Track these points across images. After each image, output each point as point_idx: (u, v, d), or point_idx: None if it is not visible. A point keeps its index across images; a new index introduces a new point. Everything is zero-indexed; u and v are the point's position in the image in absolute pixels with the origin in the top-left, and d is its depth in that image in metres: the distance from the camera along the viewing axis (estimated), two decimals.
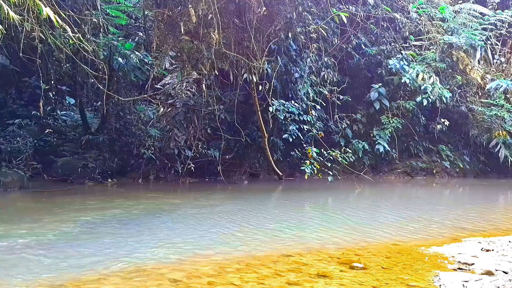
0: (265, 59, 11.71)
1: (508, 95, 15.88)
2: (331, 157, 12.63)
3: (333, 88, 14.60)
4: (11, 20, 6.58)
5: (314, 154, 12.33)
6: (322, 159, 12.46)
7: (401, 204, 9.90)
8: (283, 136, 12.96)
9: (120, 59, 11.60)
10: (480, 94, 16.13)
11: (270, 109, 12.43)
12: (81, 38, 9.00)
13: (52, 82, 12.51)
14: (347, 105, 15.16)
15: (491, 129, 15.40)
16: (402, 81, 14.62)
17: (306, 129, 13.18)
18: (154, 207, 8.22)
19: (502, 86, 14.97)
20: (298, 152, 12.98)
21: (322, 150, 12.63)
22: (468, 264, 4.68)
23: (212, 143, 12.66)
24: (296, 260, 4.79)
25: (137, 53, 11.89)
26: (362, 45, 15.31)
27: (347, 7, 14.33)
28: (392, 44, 15.69)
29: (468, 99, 15.86)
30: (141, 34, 12.97)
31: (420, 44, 15.96)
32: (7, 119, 12.85)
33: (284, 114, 12.76)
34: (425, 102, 14.58)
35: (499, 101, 15.64)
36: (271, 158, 12.97)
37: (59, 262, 4.59)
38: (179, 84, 12.31)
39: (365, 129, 15.15)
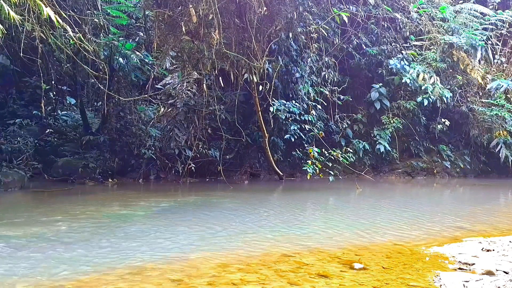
0: (266, 59, 11.72)
1: (508, 95, 15.87)
2: (332, 157, 12.63)
3: (333, 88, 14.62)
4: (12, 20, 6.58)
5: (316, 154, 12.33)
6: (323, 159, 12.46)
7: (402, 204, 9.89)
8: (285, 137, 12.97)
9: (120, 59, 11.61)
10: (480, 94, 16.14)
11: (271, 109, 12.45)
12: (82, 38, 9.00)
13: (53, 82, 12.52)
14: (347, 105, 15.16)
15: (492, 129, 15.40)
16: (403, 81, 14.62)
17: (307, 129, 13.19)
18: (153, 207, 8.22)
19: (502, 86, 14.98)
20: (299, 152, 12.99)
21: (323, 150, 12.63)
22: (469, 264, 4.67)
23: (213, 143, 12.67)
24: (297, 260, 4.79)
25: (137, 53, 11.90)
26: (363, 45, 15.31)
27: (348, 7, 14.32)
28: (393, 44, 15.69)
29: (468, 99, 15.87)
30: (141, 34, 12.98)
31: (421, 44, 15.96)
32: (7, 119, 12.86)
33: (285, 114, 12.77)
34: (425, 102, 14.59)
35: (499, 101, 15.64)
36: (271, 158, 12.97)
37: (58, 262, 4.59)
38: (180, 84, 12.32)
39: (365, 129, 15.16)
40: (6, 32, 7.55)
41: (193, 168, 11.90)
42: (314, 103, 13.70)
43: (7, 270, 4.29)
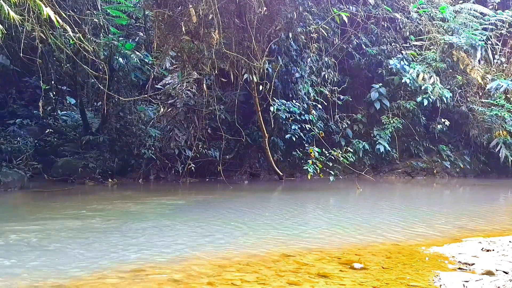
0: (266, 59, 11.72)
1: (508, 95, 15.86)
2: (332, 157, 12.64)
3: (333, 88, 14.61)
4: (12, 20, 6.59)
5: (316, 154, 12.35)
6: (324, 159, 12.47)
7: (402, 204, 9.89)
8: (286, 136, 12.97)
9: (120, 59, 11.61)
10: (480, 94, 16.13)
11: (272, 108, 12.44)
12: (82, 38, 9.01)
13: (53, 82, 12.51)
14: (347, 105, 15.16)
15: (492, 129, 15.39)
16: (403, 81, 14.62)
17: (307, 129, 13.19)
18: (153, 207, 8.22)
19: (502, 86, 14.97)
20: (299, 152, 12.99)
21: (323, 150, 12.64)
22: (469, 264, 4.68)
23: (213, 143, 12.66)
24: (297, 260, 4.79)
25: (137, 53, 11.90)
26: (363, 45, 15.30)
27: (348, 7, 14.32)
28: (393, 44, 15.69)
29: (468, 99, 15.85)
30: (141, 34, 12.98)
31: (421, 44, 15.95)
32: (7, 119, 12.87)
33: (285, 114, 12.78)
34: (425, 102, 14.59)
35: (499, 101, 15.63)
36: (271, 158, 12.97)
37: (58, 262, 4.59)
38: (180, 84, 12.32)
39: (365, 129, 15.15)
40: (6, 32, 7.55)
41: (193, 168, 11.90)
42: (314, 103, 13.70)
43: (8, 268, 4.29)
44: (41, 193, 9.85)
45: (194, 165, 11.89)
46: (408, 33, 15.98)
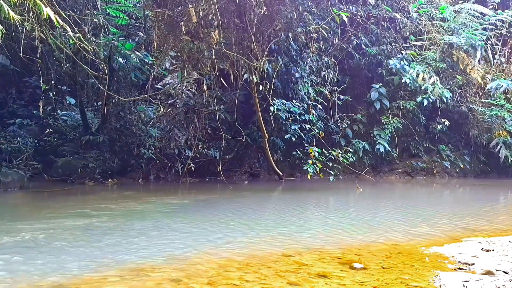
0: (266, 59, 11.72)
1: (508, 95, 15.88)
2: (332, 157, 12.64)
3: (333, 88, 14.62)
4: (12, 20, 6.59)
5: (316, 154, 12.35)
6: (324, 159, 12.47)
7: (402, 204, 9.89)
8: (286, 136, 12.98)
9: (120, 59, 11.61)
10: (480, 94, 16.14)
11: (272, 108, 12.44)
12: (82, 38, 9.01)
13: (53, 82, 12.52)
14: (347, 105, 15.17)
15: (492, 129, 15.40)
16: (403, 81, 14.63)
17: (307, 129, 13.19)
18: (153, 207, 8.22)
19: (502, 86, 14.98)
20: (299, 152, 13.00)
21: (323, 150, 12.65)
22: (469, 264, 4.68)
23: (213, 143, 12.67)
24: (297, 260, 4.79)
25: (137, 53, 11.91)
26: (363, 45, 15.31)
27: (348, 7, 14.33)
28: (393, 44, 15.69)
29: (468, 99, 15.87)
30: (141, 34, 12.98)
31: (421, 44, 15.96)
32: (7, 119, 12.88)
33: (285, 114, 12.79)
34: (425, 102, 14.60)
35: (499, 101, 15.65)
36: (271, 158, 12.97)
37: (59, 262, 4.59)
38: (180, 84, 12.32)
39: (365, 129, 15.16)
40: (6, 32, 7.55)
41: (192, 168, 11.91)
42: (314, 103, 13.71)
43: (10, 267, 4.29)
44: (41, 193, 9.84)
45: (194, 165, 11.90)
46: (408, 33, 15.99)
